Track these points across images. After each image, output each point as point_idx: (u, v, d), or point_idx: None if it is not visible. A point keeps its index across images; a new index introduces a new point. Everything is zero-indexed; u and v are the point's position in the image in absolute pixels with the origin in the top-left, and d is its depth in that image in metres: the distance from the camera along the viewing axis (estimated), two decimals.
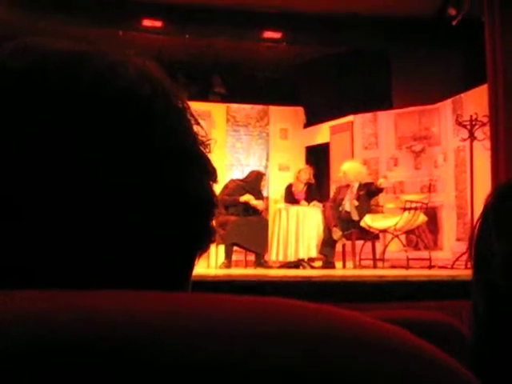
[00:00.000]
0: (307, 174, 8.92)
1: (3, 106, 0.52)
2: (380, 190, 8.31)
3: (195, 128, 0.60)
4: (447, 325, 0.82)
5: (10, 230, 0.51)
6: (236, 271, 7.20)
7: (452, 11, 8.38)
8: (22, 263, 0.51)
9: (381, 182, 8.24)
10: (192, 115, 0.60)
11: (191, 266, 0.59)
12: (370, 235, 8.08)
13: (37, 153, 0.51)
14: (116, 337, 0.36)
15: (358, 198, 8.15)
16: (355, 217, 8.03)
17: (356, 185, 8.23)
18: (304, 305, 0.41)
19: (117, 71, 0.56)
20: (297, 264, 8.25)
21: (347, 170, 8.38)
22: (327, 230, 8.14)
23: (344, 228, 8.05)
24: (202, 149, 0.60)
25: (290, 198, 8.84)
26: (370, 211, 8.17)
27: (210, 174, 0.60)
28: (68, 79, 0.53)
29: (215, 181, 0.61)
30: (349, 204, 8.14)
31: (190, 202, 0.57)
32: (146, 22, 9.15)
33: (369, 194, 8.22)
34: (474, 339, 0.70)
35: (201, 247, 0.60)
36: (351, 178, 8.29)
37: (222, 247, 8.05)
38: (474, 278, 0.71)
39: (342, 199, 8.25)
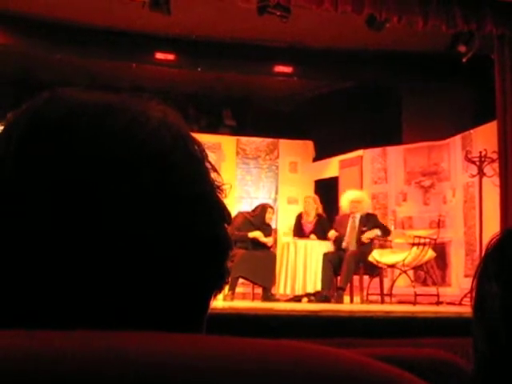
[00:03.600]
0: (312, 203, 8.82)
1: (36, 152, 0.56)
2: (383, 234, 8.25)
3: (212, 175, 0.63)
4: (447, 362, 0.83)
5: (40, 276, 0.54)
6: (243, 304, 7.17)
7: (462, 48, 8.44)
8: (48, 305, 0.54)
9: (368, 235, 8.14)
10: (209, 162, 0.64)
11: (207, 306, 0.62)
12: (377, 270, 8.05)
13: (61, 197, 0.54)
14: (136, 376, 0.39)
15: (362, 232, 8.11)
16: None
17: (358, 216, 8.19)
18: (307, 347, 0.43)
19: (139, 123, 0.59)
20: (304, 298, 8.23)
21: (361, 198, 8.32)
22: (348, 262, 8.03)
23: (356, 263, 7.99)
24: (219, 194, 0.63)
25: (299, 228, 8.79)
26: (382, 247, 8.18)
27: (226, 218, 0.64)
28: (93, 135, 0.57)
29: (229, 223, 0.64)
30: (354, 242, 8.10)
31: (207, 247, 0.60)
32: (159, 55, 9.26)
33: (371, 225, 8.16)
34: (475, 378, 0.71)
35: (216, 287, 0.63)
36: (365, 206, 8.25)
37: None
38: (474, 319, 0.73)
39: (344, 234, 8.20)
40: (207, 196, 0.61)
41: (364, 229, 8.08)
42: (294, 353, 0.43)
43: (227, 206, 0.65)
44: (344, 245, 8.14)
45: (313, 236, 8.60)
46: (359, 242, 8.05)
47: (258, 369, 0.40)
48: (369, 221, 8.16)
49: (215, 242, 0.61)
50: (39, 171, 0.55)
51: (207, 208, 0.61)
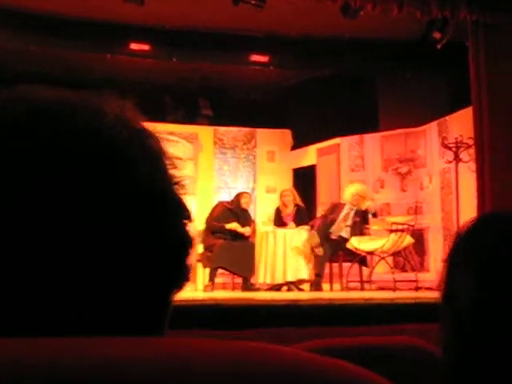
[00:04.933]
0: (289, 195, 8.88)
1: None
2: (373, 215, 8.34)
3: (171, 171, 0.62)
4: (421, 349, 0.84)
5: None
6: (223, 294, 7.18)
7: (437, 35, 8.48)
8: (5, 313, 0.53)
9: (369, 205, 8.26)
10: (168, 158, 0.62)
11: (168, 305, 0.61)
12: (356, 257, 8.10)
13: (17, 195, 0.53)
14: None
15: (354, 223, 8.18)
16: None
17: (354, 209, 8.23)
18: (258, 347, 0.43)
19: (96, 120, 0.58)
20: (284, 286, 8.27)
21: (365, 194, 8.35)
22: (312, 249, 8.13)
23: (332, 249, 8.07)
24: (177, 191, 0.62)
25: (279, 221, 8.83)
26: (362, 234, 8.23)
27: (185, 214, 0.62)
28: (51, 132, 0.56)
29: (190, 220, 0.63)
30: (346, 229, 8.16)
31: (166, 245, 0.59)
32: (134, 46, 9.19)
33: (364, 218, 8.25)
34: (441, 365, 0.71)
35: (177, 286, 0.62)
36: (366, 203, 8.29)
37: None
38: (442, 306, 0.72)
39: (335, 219, 8.25)
40: (165, 192, 0.60)
41: (357, 219, 8.16)
42: (236, 354, 0.43)
43: (189, 209, 0.63)
44: (331, 230, 8.18)
45: (291, 224, 8.64)
46: (353, 232, 8.12)
47: (205, 372, 0.41)
48: (363, 216, 8.22)
49: (174, 239, 0.60)
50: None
51: (165, 205, 0.60)
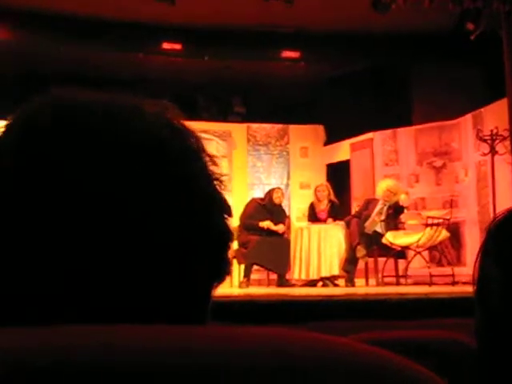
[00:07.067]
0: (324, 191, 8.85)
1: (33, 161, 0.56)
2: (404, 208, 8.30)
3: (211, 168, 0.64)
4: (456, 343, 0.83)
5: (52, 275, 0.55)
6: (258, 290, 7.20)
7: (470, 26, 8.37)
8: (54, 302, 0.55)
9: (404, 198, 8.21)
10: (208, 155, 0.64)
11: (209, 297, 0.63)
12: (392, 252, 8.06)
13: (68, 196, 0.56)
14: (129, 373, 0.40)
15: (388, 217, 8.14)
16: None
17: (387, 204, 8.20)
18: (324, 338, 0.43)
19: (135, 119, 0.60)
20: (319, 282, 8.26)
21: (396, 190, 8.30)
22: (350, 246, 8.12)
23: (367, 245, 8.03)
24: (218, 187, 0.64)
25: (313, 216, 8.82)
26: (397, 229, 8.19)
27: (225, 210, 0.64)
28: (91, 133, 0.58)
29: (230, 215, 0.65)
30: (381, 224, 8.13)
31: (208, 239, 0.61)
32: (166, 45, 9.25)
33: (396, 212, 8.20)
34: (478, 361, 0.71)
35: (218, 279, 0.64)
36: (399, 199, 8.25)
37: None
38: (475, 301, 0.72)
39: (369, 215, 8.22)
40: (205, 188, 0.62)
41: (390, 211, 8.13)
42: (314, 346, 0.43)
43: (229, 204, 0.65)
44: (365, 226, 8.15)
45: (330, 220, 8.61)
46: (388, 227, 8.09)
47: (273, 364, 0.41)
48: (396, 210, 8.19)
49: (215, 232, 0.62)
50: (38, 178, 0.56)
51: (206, 200, 0.62)
